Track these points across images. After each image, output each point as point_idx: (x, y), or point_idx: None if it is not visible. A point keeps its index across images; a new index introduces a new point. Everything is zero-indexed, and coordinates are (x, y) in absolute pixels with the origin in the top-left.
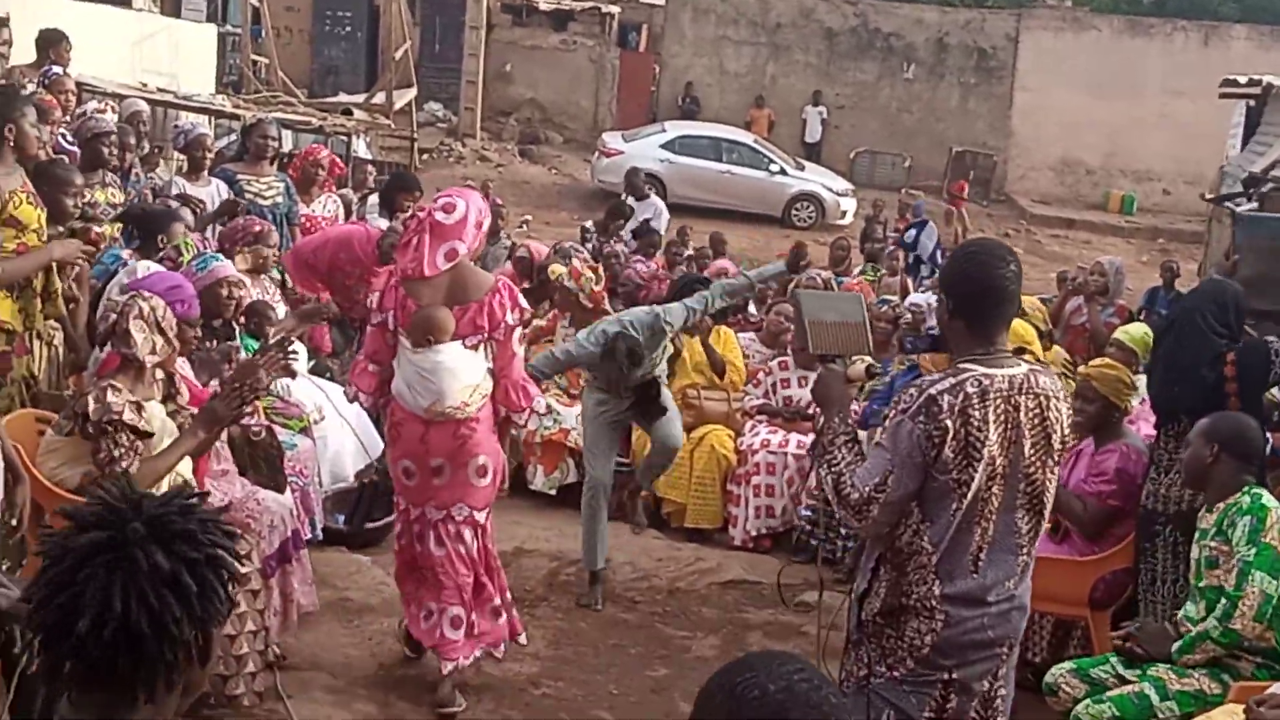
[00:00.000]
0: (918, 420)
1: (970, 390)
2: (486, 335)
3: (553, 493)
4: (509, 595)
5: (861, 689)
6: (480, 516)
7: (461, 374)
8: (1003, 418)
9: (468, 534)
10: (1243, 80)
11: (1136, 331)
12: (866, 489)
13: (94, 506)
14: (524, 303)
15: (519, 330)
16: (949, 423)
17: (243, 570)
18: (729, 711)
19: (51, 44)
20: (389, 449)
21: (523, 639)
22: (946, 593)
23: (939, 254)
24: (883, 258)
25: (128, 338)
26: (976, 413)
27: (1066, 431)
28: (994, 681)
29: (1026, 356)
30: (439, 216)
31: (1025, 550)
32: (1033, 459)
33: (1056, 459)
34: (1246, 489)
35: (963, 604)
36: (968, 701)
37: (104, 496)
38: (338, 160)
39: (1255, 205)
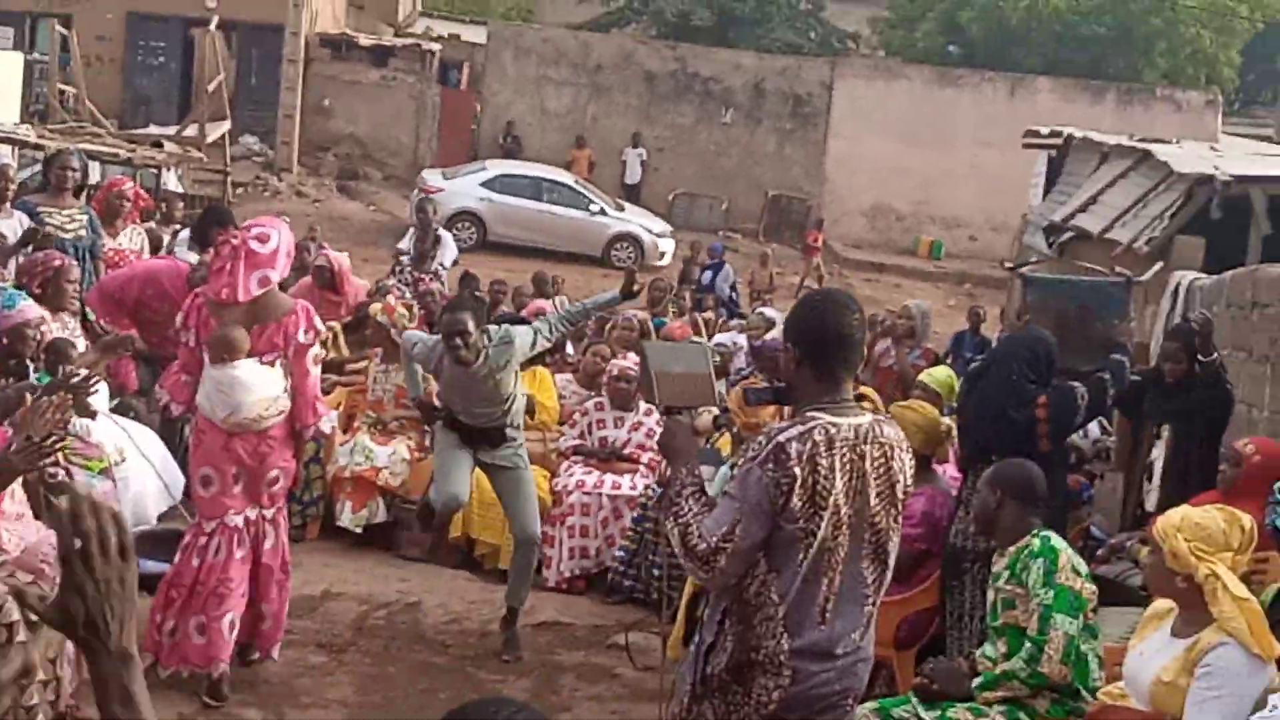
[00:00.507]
0: (766, 468)
1: (818, 438)
2: (281, 352)
3: (359, 530)
4: (281, 607)
5: None
6: (270, 513)
7: (256, 388)
8: (849, 467)
9: (250, 536)
10: (1045, 131)
11: (940, 374)
12: (714, 539)
13: None
14: (319, 324)
15: (313, 350)
16: (797, 470)
17: (15, 618)
18: None
19: None
20: (190, 458)
21: (274, 654)
22: (795, 647)
23: (734, 296)
24: (669, 299)
25: None
26: (824, 461)
27: (909, 482)
28: None
29: (866, 404)
30: (254, 245)
31: (871, 600)
32: (878, 509)
33: (900, 509)
34: (1034, 531)
35: (810, 658)
36: None
37: None
38: (142, 192)
39: (1054, 255)
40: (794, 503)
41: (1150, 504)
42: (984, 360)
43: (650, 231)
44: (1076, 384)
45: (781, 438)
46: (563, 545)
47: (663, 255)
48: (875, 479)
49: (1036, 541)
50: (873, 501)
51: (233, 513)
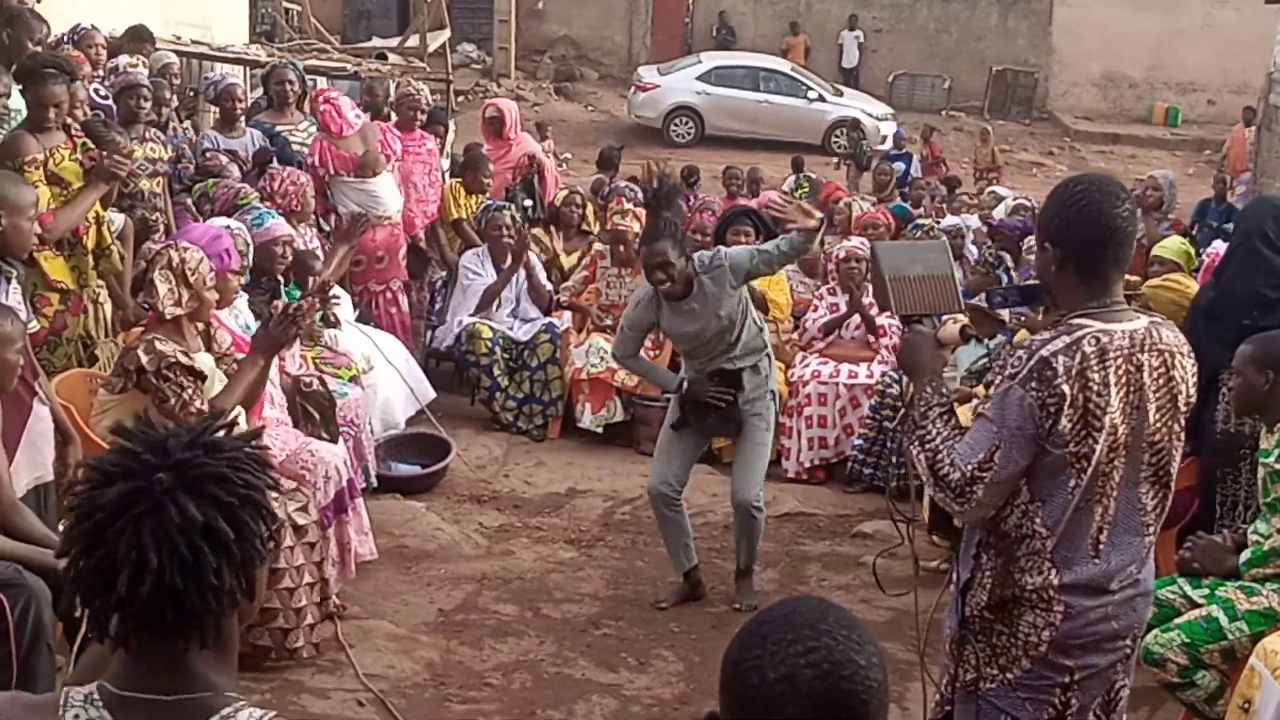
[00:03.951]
0: (1029, 387)
1: (1088, 350)
2: (389, 162)
3: (599, 430)
4: None
5: (971, 695)
6: (396, 285)
7: (393, 192)
8: (1125, 380)
9: (400, 299)
10: None
11: (1173, 244)
12: (969, 467)
13: (118, 456)
14: (395, 145)
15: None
16: (1065, 388)
17: (286, 507)
18: (729, 694)
19: (137, 40)
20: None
21: None
22: (1065, 581)
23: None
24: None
25: (151, 288)
26: (1096, 375)
27: (1192, 392)
28: (1114, 678)
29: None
30: (336, 98)
31: (1150, 529)
32: (1158, 425)
33: (1182, 424)
34: None
35: (1083, 593)
36: (1088, 702)
37: (127, 445)
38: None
39: None
40: (1062, 424)
41: None
42: (1232, 236)
43: (871, 115)
44: None
45: (1045, 351)
46: (800, 436)
47: (884, 139)
48: (1155, 392)
49: None
50: (1152, 417)
51: (374, 282)
